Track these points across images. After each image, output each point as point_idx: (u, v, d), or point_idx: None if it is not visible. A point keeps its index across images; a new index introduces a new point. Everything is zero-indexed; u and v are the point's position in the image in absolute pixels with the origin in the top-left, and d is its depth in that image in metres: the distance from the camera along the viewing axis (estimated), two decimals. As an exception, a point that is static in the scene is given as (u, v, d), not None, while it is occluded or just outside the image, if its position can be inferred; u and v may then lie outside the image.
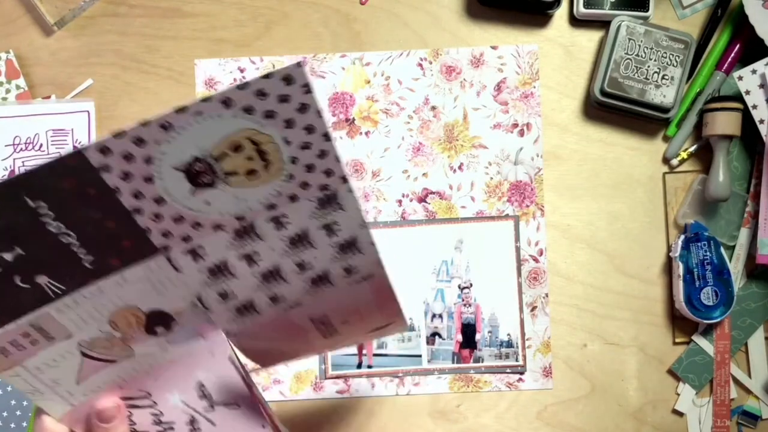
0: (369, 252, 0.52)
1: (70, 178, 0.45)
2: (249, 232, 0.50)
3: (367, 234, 0.51)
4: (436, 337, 0.87)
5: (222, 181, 0.47)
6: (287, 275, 0.53)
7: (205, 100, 0.43)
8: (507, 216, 0.88)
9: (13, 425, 0.83)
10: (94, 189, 0.46)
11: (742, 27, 0.86)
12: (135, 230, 0.49)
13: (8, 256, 0.47)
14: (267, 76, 0.43)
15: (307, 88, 0.44)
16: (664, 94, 0.84)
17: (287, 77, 0.43)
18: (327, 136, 0.46)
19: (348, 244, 0.51)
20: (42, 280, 0.50)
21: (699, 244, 0.84)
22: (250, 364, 0.61)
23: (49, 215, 0.46)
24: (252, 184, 0.48)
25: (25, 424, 0.83)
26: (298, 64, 0.43)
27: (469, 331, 0.87)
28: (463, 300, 0.87)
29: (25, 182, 0.45)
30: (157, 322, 0.56)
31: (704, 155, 0.87)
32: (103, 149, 0.44)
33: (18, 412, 0.83)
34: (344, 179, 0.48)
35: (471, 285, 0.87)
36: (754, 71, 0.84)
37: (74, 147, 0.52)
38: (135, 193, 0.47)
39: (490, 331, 0.87)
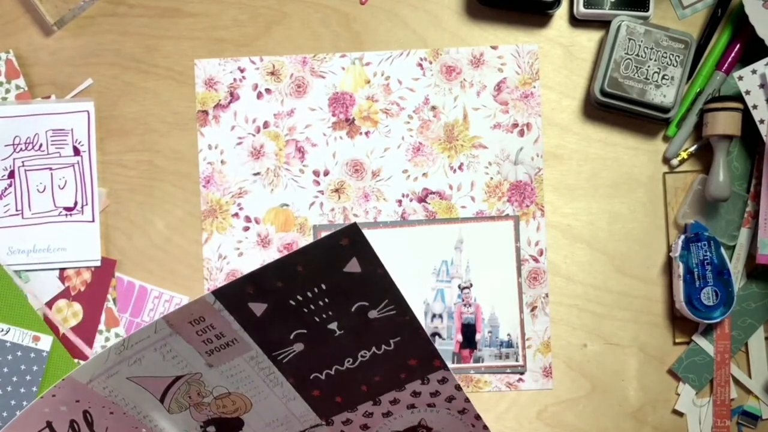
0: None
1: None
2: None
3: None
4: (436, 337, 0.87)
5: None
6: None
7: None
8: (507, 216, 0.88)
9: (12, 425, 0.83)
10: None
11: (742, 27, 0.86)
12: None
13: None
14: None
15: None
16: (664, 94, 0.84)
17: None
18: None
19: None
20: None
21: (699, 244, 0.84)
22: None
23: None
24: None
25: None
26: None
27: (469, 331, 0.87)
28: (463, 300, 0.87)
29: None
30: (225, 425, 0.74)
31: (704, 155, 0.87)
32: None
33: (17, 413, 0.83)
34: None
35: (471, 285, 0.87)
36: (754, 71, 0.84)
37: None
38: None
39: (490, 331, 0.87)
